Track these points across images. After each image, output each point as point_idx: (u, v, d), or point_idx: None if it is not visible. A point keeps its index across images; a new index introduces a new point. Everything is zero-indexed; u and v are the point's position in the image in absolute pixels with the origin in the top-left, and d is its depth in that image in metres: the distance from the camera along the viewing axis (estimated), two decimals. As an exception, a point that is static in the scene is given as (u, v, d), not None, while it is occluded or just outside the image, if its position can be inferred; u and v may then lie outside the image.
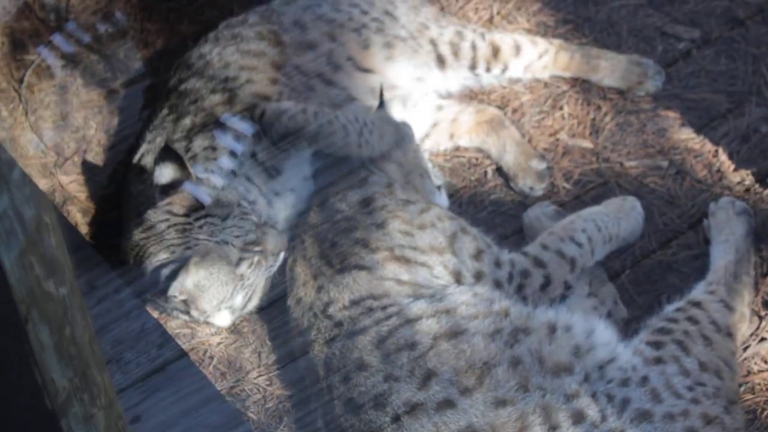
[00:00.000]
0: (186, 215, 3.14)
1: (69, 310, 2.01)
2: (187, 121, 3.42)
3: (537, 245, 3.22)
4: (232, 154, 3.31)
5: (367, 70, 3.60)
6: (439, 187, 3.46)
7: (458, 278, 3.05)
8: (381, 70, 3.60)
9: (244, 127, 3.34)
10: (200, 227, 3.12)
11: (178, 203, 3.16)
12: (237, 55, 3.55)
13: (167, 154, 3.18)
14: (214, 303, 3.14)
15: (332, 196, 3.27)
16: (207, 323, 3.25)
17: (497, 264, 3.13)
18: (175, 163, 3.17)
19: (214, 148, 3.31)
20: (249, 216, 3.16)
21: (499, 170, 3.64)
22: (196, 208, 3.15)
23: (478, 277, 3.08)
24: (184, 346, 3.26)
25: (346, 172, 3.33)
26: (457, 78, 3.76)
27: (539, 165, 3.58)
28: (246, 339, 3.31)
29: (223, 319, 3.23)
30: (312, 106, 3.35)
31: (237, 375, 3.23)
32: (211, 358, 3.27)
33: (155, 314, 3.30)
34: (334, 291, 3.03)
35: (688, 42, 3.83)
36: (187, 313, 3.17)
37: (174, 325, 3.31)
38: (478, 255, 3.11)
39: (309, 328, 3.04)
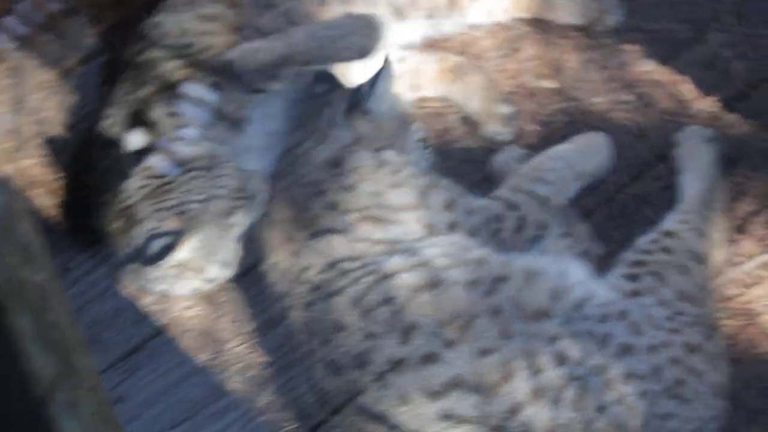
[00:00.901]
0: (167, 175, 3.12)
1: (48, 296, 2.00)
2: (146, 91, 3.38)
3: (508, 188, 3.22)
4: (197, 117, 3.28)
5: (326, 27, 3.56)
6: None
7: (432, 230, 3.05)
8: (340, 26, 3.56)
9: (204, 88, 3.30)
10: (186, 182, 3.10)
11: (156, 165, 3.13)
12: (195, 21, 3.51)
13: (135, 120, 3.14)
14: (209, 258, 3.13)
15: (301, 157, 3.24)
16: (203, 281, 3.22)
17: (470, 212, 3.12)
18: (145, 128, 3.13)
19: (177, 114, 3.29)
20: (229, 163, 3.14)
21: (466, 118, 3.62)
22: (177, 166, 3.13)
23: (452, 227, 3.07)
24: (160, 322, 3.26)
25: (313, 129, 3.30)
26: (417, 28, 3.72)
27: (505, 109, 3.56)
28: (222, 309, 3.31)
29: (214, 273, 3.21)
30: (271, 37, 3.32)
31: (216, 346, 3.23)
32: (188, 331, 3.27)
33: (129, 291, 3.29)
34: (310, 255, 3.02)
35: (646, -28, 3.80)
36: (178, 276, 3.15)
37: (148, 301, 3.30)
38: (450, 205, 3.11)
39: (286, 293, 3.04)
